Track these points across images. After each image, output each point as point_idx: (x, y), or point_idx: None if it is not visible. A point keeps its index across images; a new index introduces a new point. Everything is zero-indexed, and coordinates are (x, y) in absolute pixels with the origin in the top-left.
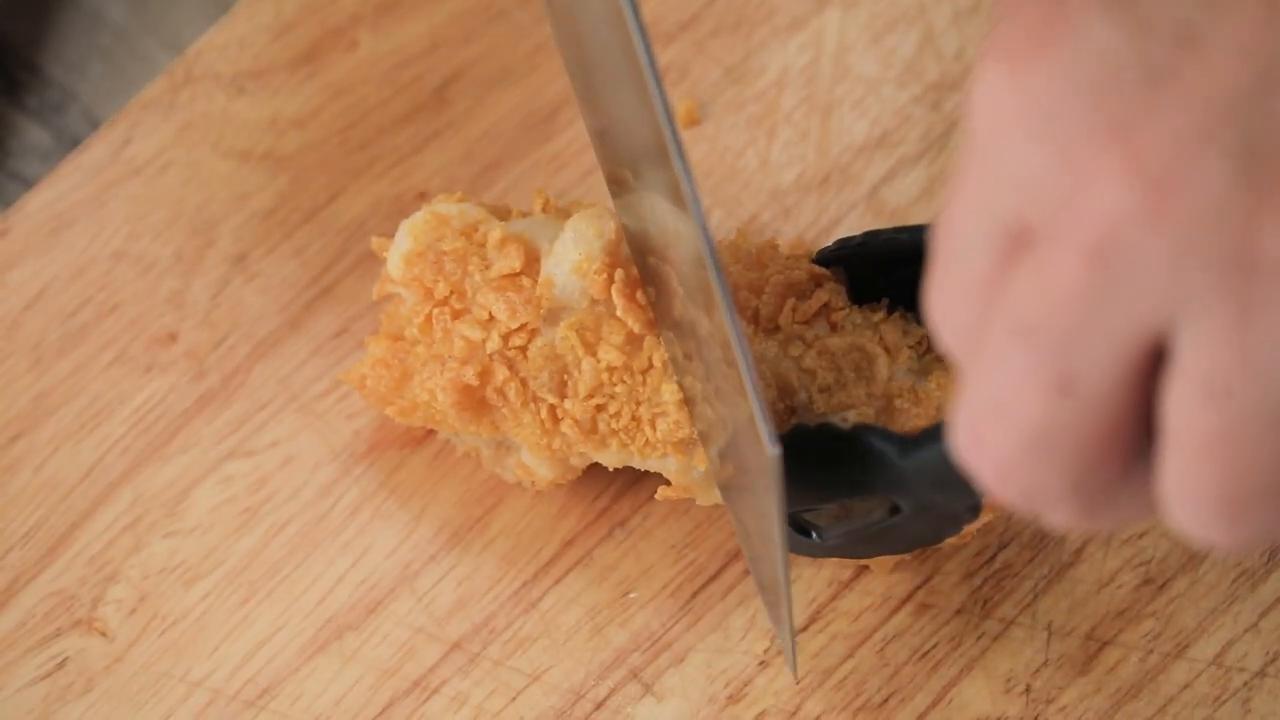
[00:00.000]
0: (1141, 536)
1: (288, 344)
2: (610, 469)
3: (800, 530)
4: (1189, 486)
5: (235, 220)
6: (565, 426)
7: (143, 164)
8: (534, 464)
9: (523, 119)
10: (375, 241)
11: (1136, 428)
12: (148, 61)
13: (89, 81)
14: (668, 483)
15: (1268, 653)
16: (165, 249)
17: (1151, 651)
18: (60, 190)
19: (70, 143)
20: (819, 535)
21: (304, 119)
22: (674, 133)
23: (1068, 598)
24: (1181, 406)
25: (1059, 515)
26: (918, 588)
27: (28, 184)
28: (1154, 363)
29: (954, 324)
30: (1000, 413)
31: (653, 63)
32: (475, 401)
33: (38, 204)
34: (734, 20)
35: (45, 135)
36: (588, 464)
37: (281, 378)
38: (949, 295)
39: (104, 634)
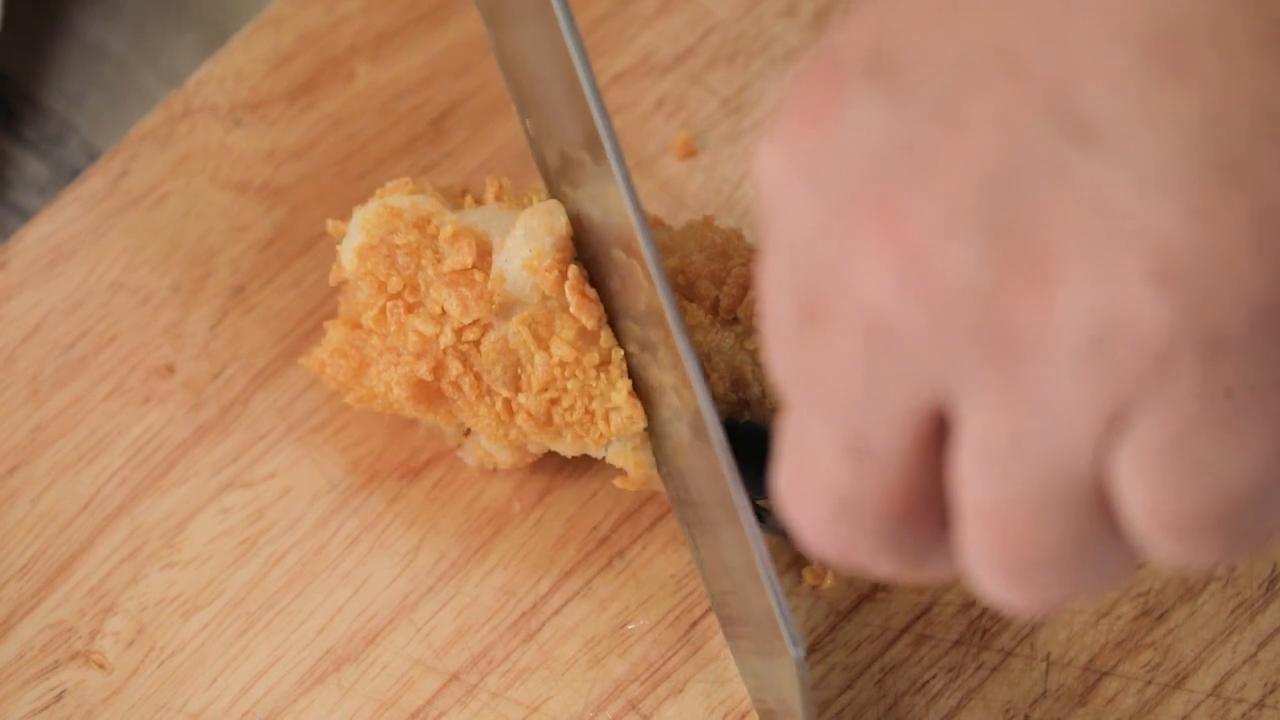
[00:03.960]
0: (1140, 567)
1: (286, 375)
2: (568, 456)
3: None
4: (976, 553)
5: (233, 251)
6: (520, 419)
7: (140, 195)
8: (493, 449)
9: (520, 150)
10: (331, 224)
11: (938, 492)
12: (146, 93)
13: (87, 113)
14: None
15: (1266, 684)
16: (163, 280)
17: (1150, 683)
18: (58, 222)
19: (68, 174)
20: (764, 520)
21: (302, 150)
22: (605, 119)
23: (1066, 628)
24: (963, 476)
25: (882, 570)
26: (916, 618)
27: (26, 216)
28: (943, 431)
29: (784, 384)
30: (809, 474)
31: (581, 49)
32: (431, 394)
33: (36, 236)
34: (730, 52)
35: (43, 167)
36: (545, 450)
37: (279, 409)
38: (774, 355)
39: (102, 666)
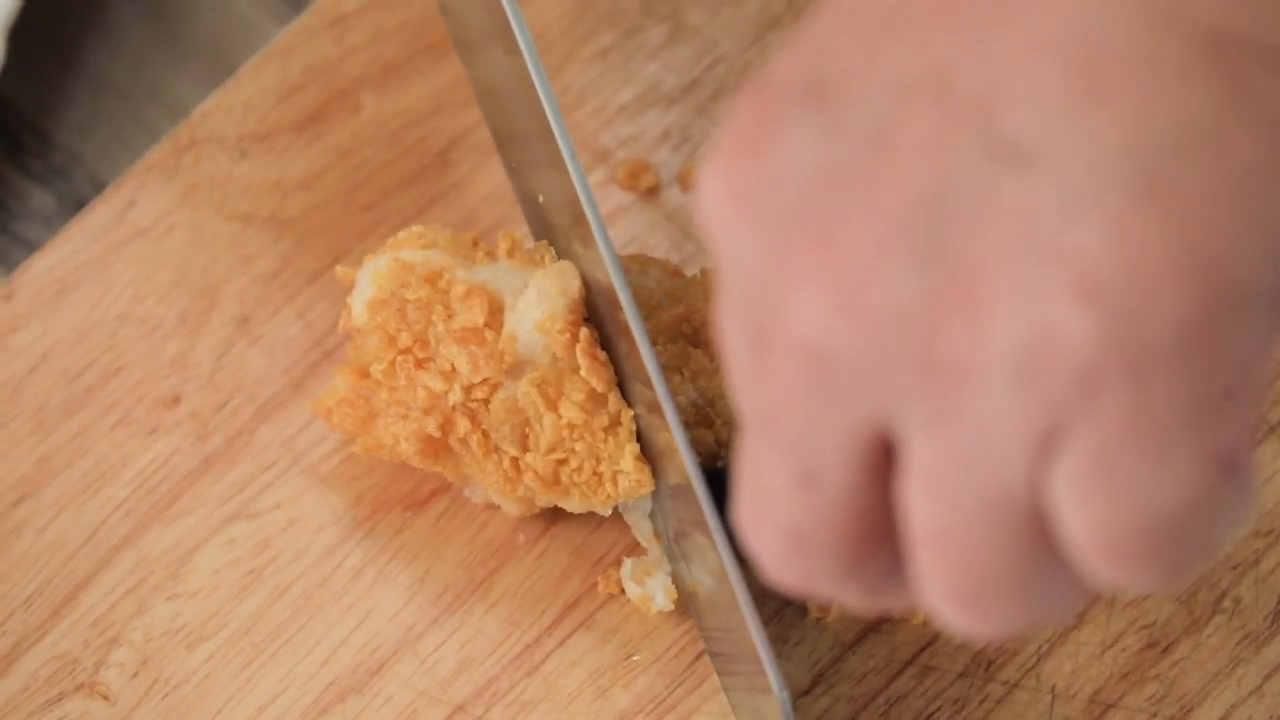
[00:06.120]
0: (1146, 599)
1: (291, 406)
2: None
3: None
4: (928, 580)
5: (239, 282)
6: (527, 478)
7: (147, 227)
8: (498, 500)
9: None
10: (340, 270)
11: (893, 520)
12: (151, 125)
13: (93, 145)
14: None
15: (1271, 717)
16: (169, 311)
17: (1155, 715)
18: (64, 253)
19: (75, 206)
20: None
21: (308, 181)
22: (576, 166)
23: (1071, 661)
24: (910, 502)
25: (845, 599)
26: (921, 650)
27: (32, 247)
28: (892, 458)
29: (742, 415)
30: (764, 505)
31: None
32: (439, 449)
33: (42, 267)
34: (736, 83)
35: (50, 199)
36: (552, 504)
37: (285, 440)
38: (734, 387)
39: (106, 698)
